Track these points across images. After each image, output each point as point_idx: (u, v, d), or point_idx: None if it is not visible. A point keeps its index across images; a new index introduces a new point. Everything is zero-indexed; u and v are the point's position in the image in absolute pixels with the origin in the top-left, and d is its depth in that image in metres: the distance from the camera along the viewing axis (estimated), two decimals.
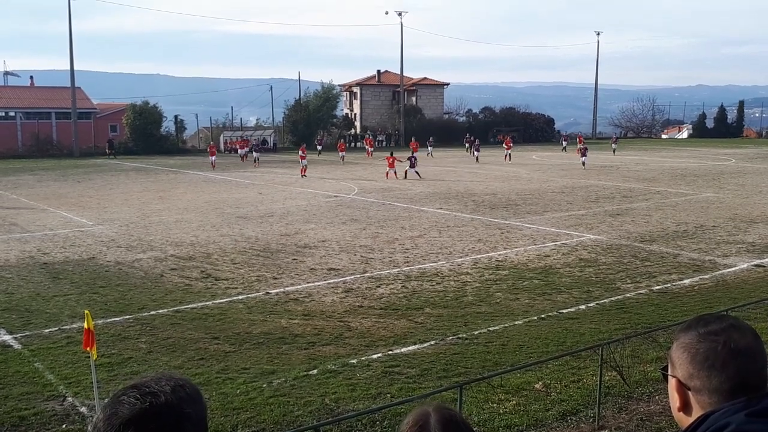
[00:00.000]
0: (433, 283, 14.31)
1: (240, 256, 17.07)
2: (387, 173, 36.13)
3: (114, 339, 10.80)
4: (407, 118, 71.77)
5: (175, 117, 65.54)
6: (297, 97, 71.08)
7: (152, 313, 12.27)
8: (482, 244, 18.56)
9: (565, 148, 57.84)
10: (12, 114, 64.22)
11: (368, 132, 68.97)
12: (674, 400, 1.83)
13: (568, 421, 7.86)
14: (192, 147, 65.57)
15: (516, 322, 11.65)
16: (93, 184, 35.49)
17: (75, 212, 25.03)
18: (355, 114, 77.05)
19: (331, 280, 14.67)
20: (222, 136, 64.31)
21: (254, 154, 49.25)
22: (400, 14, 69.77)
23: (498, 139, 62.08)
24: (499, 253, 17.40)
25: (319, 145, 59.07)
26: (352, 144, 67.45)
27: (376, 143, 69.03)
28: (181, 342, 10.67)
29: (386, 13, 70.54)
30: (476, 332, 11.09)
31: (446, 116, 78.98)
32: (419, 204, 26.47)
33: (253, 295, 13.52)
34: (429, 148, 53.74)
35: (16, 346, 10.59)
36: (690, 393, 1.78)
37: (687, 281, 14.40)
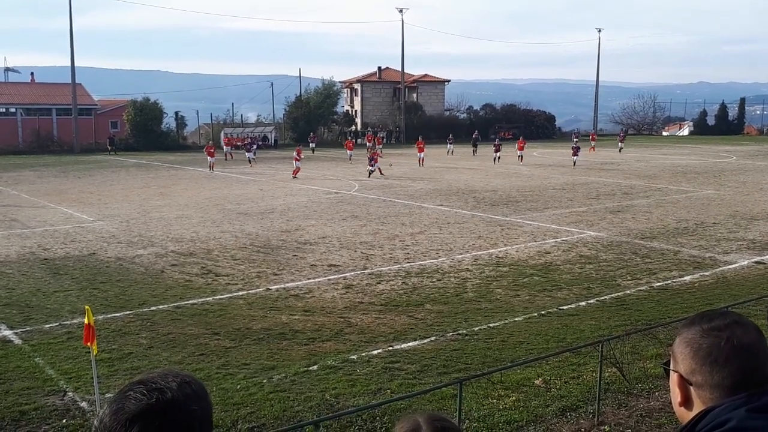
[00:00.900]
0: (434, 280, 14.31)
1: (240, 252, 17.08)
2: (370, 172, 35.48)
3: (114, 334, 10.81)
4: (408, 114, 71.73)
5: (176, 113, 65.54)
6: (298, 94, 71.06)
7: (153, 308, 12.28)
8: (483, 240, 18.56)
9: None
10: (12, 110, 64.18)
11: (369, 129, 68.91)
12: (675, 395, 1.83)
13: (568, 417, 7.87)
14: (193, 143, 65.57)
15: (516, 319, 11.65)
16: (93, 180, 35.49)
17: (75, 208, 25.03)
18: (355, 111, 77.02)
19: (332, 277, 14.67)
20: (222, 132, 64.27)
21: (247, 154, 44.90)
22: (401, 11, 69.64)
23: (500, 137, 61.34)
24: (499, 249, 17.40)
25: (312, 142, 58.01)
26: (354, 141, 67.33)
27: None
28: (181, 337, 10.68)
29: (401, 11, 69.66)
30: (476, 328, 11.10)
31: (447, 113, 78.91)
32: (420, 201, 26.47)
33: (253, 291, 13.53)
34: (450, 145, 52.04)
35: (17, 341, 10.60)
36: (691, 388, 1.78)
37: (687, 278, 14.40)
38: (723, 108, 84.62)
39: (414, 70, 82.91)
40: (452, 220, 21.96)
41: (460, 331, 10.94)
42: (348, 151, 47.16)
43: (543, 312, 12.05)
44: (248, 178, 35.54)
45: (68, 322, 11.42)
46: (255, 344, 10.37)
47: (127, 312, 12.06)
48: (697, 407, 1.76)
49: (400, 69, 72.99)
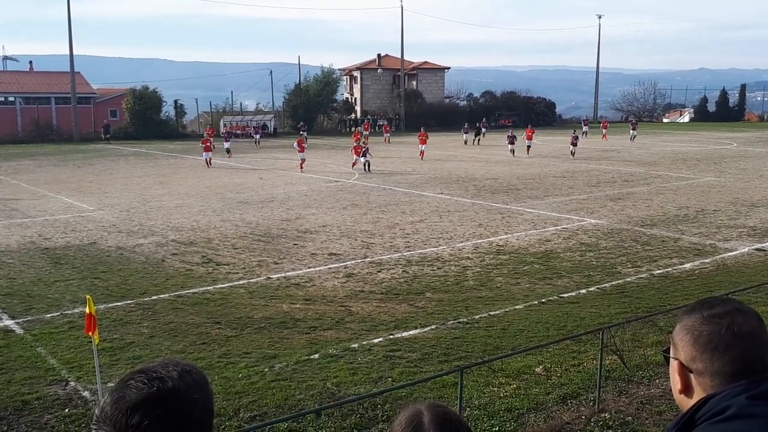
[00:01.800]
0: (434, 268, 14.33)
1: (241, 241, 17.09)
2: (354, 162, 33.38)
3: (116, 324, 10.84)
4: (408, 102, 71.51)
5: (175, 102, 65.32)
6: (297, 82, 70.82)
7: (154, 297, 12.30)
8: (483, 228, 18.56)
9: (585, 132, 55.06)
10: (11, 99, 64.00)
11: (367, 117, 68.72)
12: (675, 383, 1.83)
13: (569, 405, 7.90)
14: (192, 132, 65.39)
15: (517, 307, 11.68)
16: (93, 169, 35.45)
17: (75, 197, 25.02)
18: (355, 98, 76.77)
19: (332, 265, 14.68)
20: (222, 121, 64.14)
21: (225, 143, 41.36)
22: None
23: (501, 124, 60.78)
24: (499, 237, 17.40)
25: (303, 131, 55.68)
26: (351, 129, 67.14)
27: (376, 128, 68.93)
28: (182, 327, 10.70)
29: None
30: (477, 316, 11.12)
31: (447, 100, 78.71)
32: (420, 189, 26.45)
33: (254, 280, 13.54)
34: (464, 135, 49.76)
35: (19, 330, 10.63)
36: (692, 375, 1.78)
37: (688, 265, 14.41)
38: (724, 94, 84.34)
39: (414, 57, 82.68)
40: (452, 208, 21.96)
41: (461, 320, 10.96)
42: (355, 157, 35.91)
43: (543, 300, 12.07)
44: (248, 167, 35.48)
45: (69, 312, 11.44)
46: (256, 333, 10.40)
47: (128, 301, 12.08)
48: (698, 394, 1.76)
49: (399, 56, 72.73)
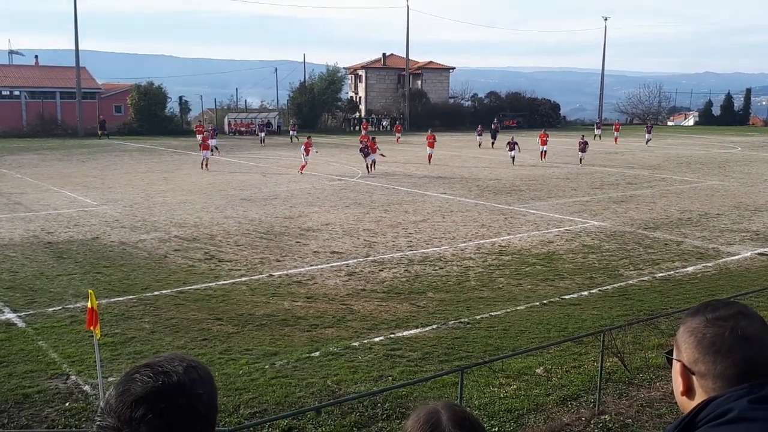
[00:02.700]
0: (436, 268, 14.32)
1: (243, 238, 17.10)
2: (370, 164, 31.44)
3: (117, 318, 10.85)
4: (412, 102, 71.49)
5: (180, 98, 65.38)
6: (302, 80, 70.84)
7: (156, 293, 12.32)
8: (485, 229, 18.56)
9: (599, 135, 54.21)
10: (17, 93, 64.08)
11: (371, 116, 68.73)
12: (678, 385, 1.82)
13: (569, 406, 7.89)
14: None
15: (518, 308, 11.67)
16: (97, 164, 35.50)
17: (79, 192, 25.06)
18: (359, 97, 76.78)
19: (334, 263, 14.69)
20: (226, 118, 64.18)
21: (212, 141, 38.86)
22: None
23: (505, 125, 60.32)
24: (502, 238, 17.39)
25: (293, 130, 54.85)
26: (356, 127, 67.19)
27: (380, 127, 68.96)
28: (184, 322, 10.71)
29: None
30: (478, 317, 11.11)
31: (451, 101, 78.65)
32: (423, 188, 26.44)
33: (256, 277, 13.55)
34: (478, 137, 47.56)
35: (21, 324, 10.65)
36: (694, 378, 1.78)
37: (690, 269, 14.39)
38: (728, 98, 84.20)
39: (419, 56, 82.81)
40: (455, 208, 21.95)
41: (462, 320, 10.96)
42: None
43: (545, 301, 12.06)
44: (251, 164, 35.51)
45: (71, 306, 11.46)
46: (257, 330, 10.41)
47: (131, 296, 12.10)
48: (699, 397, 1.76)
49: (404, 56, 72.70)
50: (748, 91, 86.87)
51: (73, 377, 8.63)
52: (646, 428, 7.41)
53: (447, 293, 12.52)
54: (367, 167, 31.48)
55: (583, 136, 38.21)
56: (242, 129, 62.18)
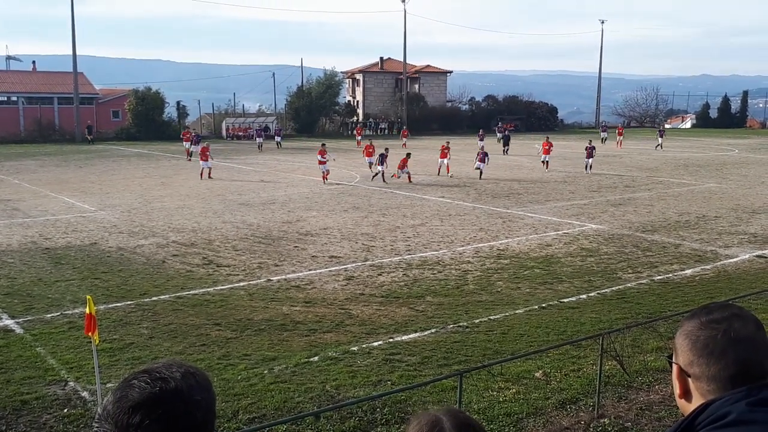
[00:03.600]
0: (435, 272, 14.32)
1: (242, 243, 17.09)
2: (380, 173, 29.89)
3: (116, 324, 10.83)
4: (410, 105, 71.58)
5: (178, 103, 65.44)
6: (299, 84, 70.91)
7: (154, 298, 12.30)
8: (484, 233, 18.56)
9: (603, 139, 52.55)
10: (14, 99, 64.10)
11: (360, 121, 68.72)
12: (676, 387, 1.84)
13: (568, 410, 7.89)
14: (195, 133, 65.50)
15: (517, 311, 11.67)
16: (95, 169, 35.48)
17: (77, 198, 25.04)
18: (357, 101, 76.86)
19: (333, 268, 14.68)
20: (224, 122, 64.20)
21: (190, 146, 40.14)
22: (403, 0, 69.36)
23: (500, 129, 59.95)
24: (500, 242, 17.40)
25: (278, 135, 54.05)
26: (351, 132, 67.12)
27: (378, 131, 69.04)
28: (182, 328, 10.70)
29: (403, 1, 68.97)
30: (477, 321, 11.11)
31: (449, 104, 78.78)
32: (421, 192, 26.46)
33: (254, 281, 13.54)
34: (479, 143, 43.09)
35: (18, 330, 10.62)
36: (690, 380, 1.79)
37: (688, 271, 14.40)
38: (726, 101, 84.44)
39: (416, 60, 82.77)
40: (454, 212, 21.96)
41: (461, 323, 10.95)
42: (366, 159, 34.08)
43: (544, 304, 12.06)
44: (249, 169, 35.50)
45: (69, 312, 11.44)
46: (256, 335, 10.39)
47: (129, 302, 12.08)
48: (696, 399, 1.77)
49: (402, 59, 72.79)
50: (745, 93, 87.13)
51: (71, 383, 8.61)
52: (645, 431, 7.40)
53: (446, 297, 12.51)
54: (382, 175, 29.47)
55: (590, 141, 35.95)
56: (240, 134, 62.20)
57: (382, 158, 30.13)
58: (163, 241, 17.38)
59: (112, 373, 8.75)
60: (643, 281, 13.61)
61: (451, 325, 10.87)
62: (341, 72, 76.08)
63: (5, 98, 64.24)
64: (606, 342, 8.19)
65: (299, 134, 66.12)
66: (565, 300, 12.35)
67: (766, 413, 1.64)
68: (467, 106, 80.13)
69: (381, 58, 79.85)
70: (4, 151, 46.39)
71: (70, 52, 58.79)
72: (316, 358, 9.43)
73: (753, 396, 1.67)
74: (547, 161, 35.15)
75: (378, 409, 7.74)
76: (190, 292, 12.71)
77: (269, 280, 13.66)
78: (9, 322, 10.99)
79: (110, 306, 11.78)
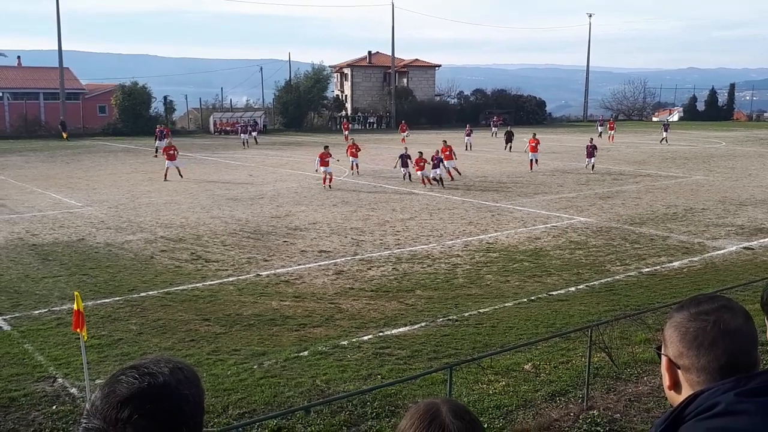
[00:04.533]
0: (424, 266, 14.34)
1: (230, 238, 17.04)
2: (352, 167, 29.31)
3: (104, 320, 10.78)
4: (398, 99, 71.49)
5: (165, 98, 64.98)
6: (287, 78, 70.64)
7: (142, 294, 12.25)
8: (473, 226, 18.59)
9: (601, 133, 51.64)
10: None
11: (347, 116, 68.56)
12: (665, 378, 1.85)
13: (557, 402, 7.92)
14: (182, 128, 65.14)
15: (506, 304, 11.70)
16: (81, 165, 35.25)
17: (64, 193, 24.87)
18: (345, 96, 76.68)
19: (322, 262, 14.67)
20: (212, 117, 63.89)
21: (156, 142, 38.89)
22: None
23: (495, 122, 59.65)
24: (489, 235, 17.43)
25: (254, 130, 51.55)
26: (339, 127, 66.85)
27: (367, 125, 68.97)
28: (171, 323, 10.66)
29: None
30: (466, 314, 11.13)
31: (437, 98, 78.72)
32: (410, 186, 26.45)
33: (243, 276, 13.51)
34: (466, 138, 43.40)
35: (6, 327, 10.56)
36: (679, 371, 1.80)
37: (676, 263, 14.48)
38: (713, 94, 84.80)
39: (404, 54, 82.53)
40: (443, 206, 21.98)
41: (451, 317, 10.98)
42: (351, 158, 31.90)
43: (533, 297, 12.10)
44: (237, 164, 35.38)
45: (57, 308, 11.38)
46: (245, 330, 10.37)
47: (117, 298, 12.03)
48: (686, 391, 1.78)
49: (390, 53, 72.67)
50: (732, 86, 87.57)
51: (59, 380, 8.56)
52: (634, 423, 7.45)
53: (435, 291, 12.53)
54: (408, 176, 27.77)
55: (591, 139, 33.83)
56: (228, 128, 61.94)
57: (404, 160, 28.02)
58: (151, 236, 17.30)
59: (100, 370, 8.71)
60: (632, 273, 13.68)
61: (441, 319, 10.89)
62: (329, 66, 75.82)
63: None
64: (595, 334, 8.23)
65: (287, 128, 65.91)
66: (554, 293, 12.40)
67: (755, 403, 1.65)
68: (456, 99, 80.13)
69: (369, 52, 79.64)
70: None
71: (56, 48, 58.32)
72: (305, 353, 9.43)
73: (741, 386, 1.68)
74: (537, 159, 32.27)
75: (368, 403, 7.74)
76: (179, 288, 12.66)
77: (258, 275, 13.63)
78: None
79: (98, 302, 11.72)
